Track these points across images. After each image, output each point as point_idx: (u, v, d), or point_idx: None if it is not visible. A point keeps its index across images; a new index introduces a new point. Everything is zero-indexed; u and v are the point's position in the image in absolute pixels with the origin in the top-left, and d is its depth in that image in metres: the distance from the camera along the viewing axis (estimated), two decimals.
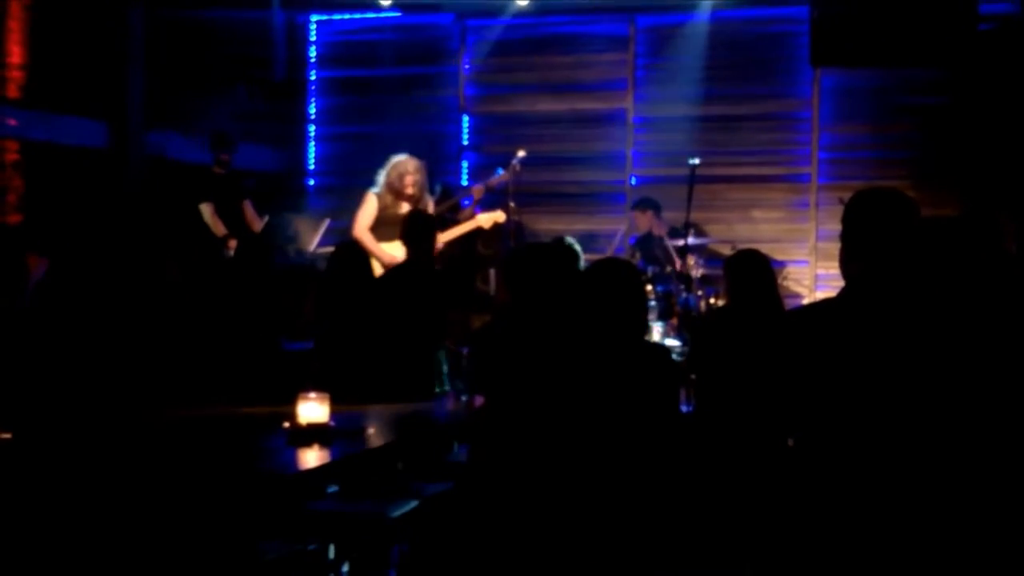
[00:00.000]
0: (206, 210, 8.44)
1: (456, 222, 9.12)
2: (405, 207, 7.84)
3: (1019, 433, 2.53)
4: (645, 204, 9.35)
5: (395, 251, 7.87)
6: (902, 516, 2.49)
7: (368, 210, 7.79)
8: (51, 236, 7.65)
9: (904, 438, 2.50)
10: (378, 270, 7.67)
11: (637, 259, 8.69)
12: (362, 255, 5.99)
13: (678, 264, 8.14)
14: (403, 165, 7.74)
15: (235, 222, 8.63)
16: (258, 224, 8.72)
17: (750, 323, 4.89)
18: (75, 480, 3.34)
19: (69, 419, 4.06)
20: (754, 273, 5.10)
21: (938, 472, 2.49)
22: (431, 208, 8.05)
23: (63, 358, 4.21)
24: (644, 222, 9.32)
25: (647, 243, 9.15)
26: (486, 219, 8.15)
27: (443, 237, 8.18)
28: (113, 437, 4.00)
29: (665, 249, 8.75)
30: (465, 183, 10.44)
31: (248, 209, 8.78)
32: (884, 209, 2.69)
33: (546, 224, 9.97)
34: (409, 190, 7.74)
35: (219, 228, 8.44)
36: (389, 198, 7.79)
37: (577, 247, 6.57)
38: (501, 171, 9.36)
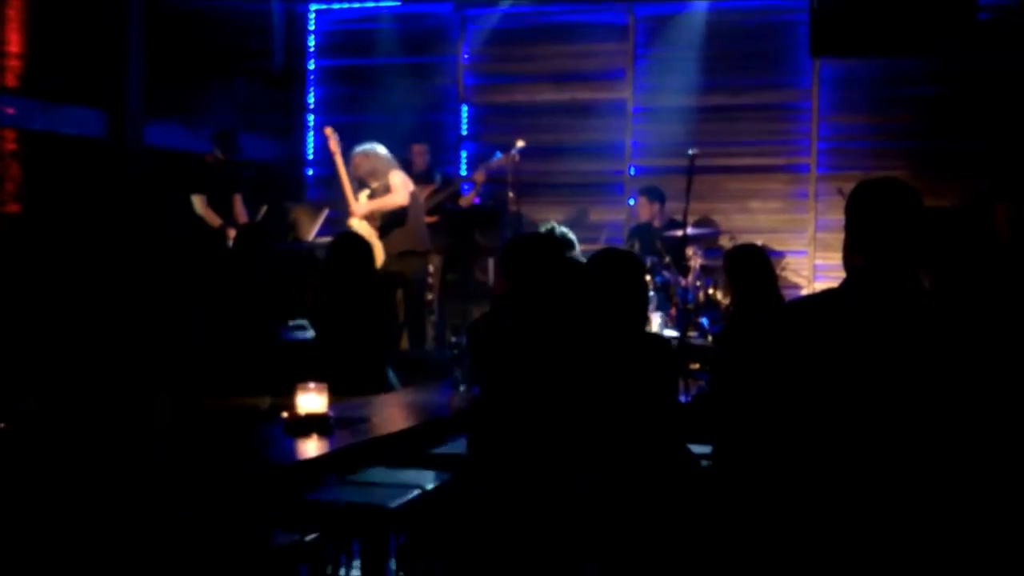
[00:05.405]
0: (197, 202, 8.41)
1: (457, 209, 9.22)
2: (371, 189, 8.21)
3: (1020, 436, 2.52)
4: (654, 194, 9.30)
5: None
6: (908, 516, 2.48)
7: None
8: (49, 226, 7.66)
9: (909, 438, 2.50)
10: (380, 258, 7.83)
11: (635, 248, 8.66)
12: (364, 244, 6.02)
13: (668, 260, 8.12)
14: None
15: (229, 212, 8.60)
16: (245, 217, 8.68)
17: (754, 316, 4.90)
18: (74, 470, 3.34)
19: (67, 408, 4.06)
20: (753, 268, 5.11)
21: (940, 474, 2.48)
22: (401, 189, 8.22)
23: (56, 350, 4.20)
24: (648, 211, 9.29)
25: (645, 233, 9.12)
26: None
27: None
28: (112, 427, 4.00)
29: (662, 240, 8.74)
30: (464, 172, 10.43)
31: (238, 202, 8.71)
32: (888, 199, 2.66)
33: (545, 214, 9.94)
34: (360, 175, 8.28)
35: (213, 219, 8.39)
36: (361, 192, 8.34)
37: (571, 235, 6.59)
38: (499, 154, 9.34)
